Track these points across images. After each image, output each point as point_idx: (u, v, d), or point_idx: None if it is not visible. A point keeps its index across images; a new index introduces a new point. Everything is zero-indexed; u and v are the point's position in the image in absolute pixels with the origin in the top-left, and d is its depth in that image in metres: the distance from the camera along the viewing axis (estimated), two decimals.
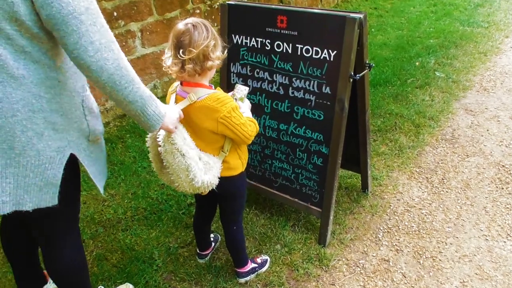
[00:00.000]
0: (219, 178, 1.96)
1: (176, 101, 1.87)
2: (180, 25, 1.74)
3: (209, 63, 1.76)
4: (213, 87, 1.89)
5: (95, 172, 1.74)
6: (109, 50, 1.40)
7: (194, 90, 1.82)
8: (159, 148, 1.87)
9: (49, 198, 1.57)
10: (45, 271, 2.21)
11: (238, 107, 1.88)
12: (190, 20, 1.75)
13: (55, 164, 1.53)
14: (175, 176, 1.89)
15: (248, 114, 2.03)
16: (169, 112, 1.70)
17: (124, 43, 4.07)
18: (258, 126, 2.01)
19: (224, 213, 2.28)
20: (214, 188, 1.97)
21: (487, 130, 3.81)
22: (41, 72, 1.42)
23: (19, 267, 2.06)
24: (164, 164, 1.90)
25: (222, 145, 1.96)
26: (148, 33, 4.27)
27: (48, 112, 1.47)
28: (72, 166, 1.62)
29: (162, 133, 1.81)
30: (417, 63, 5.14)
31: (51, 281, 2.17)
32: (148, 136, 1.93)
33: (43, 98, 1.44)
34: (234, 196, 2.18)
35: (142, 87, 1.53)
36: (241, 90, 2.02)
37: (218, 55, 1.79)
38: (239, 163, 2.06)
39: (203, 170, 1.86)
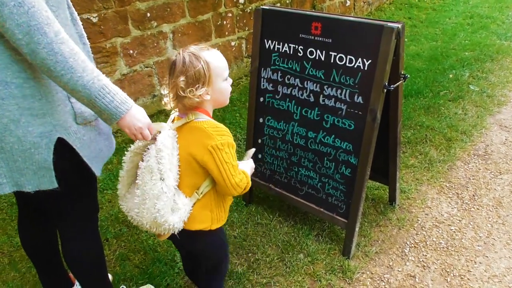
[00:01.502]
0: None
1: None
2: (174, 57, 1.59)
3: (186, 100, 1.57)
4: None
5: (90, 154, 1.65)
6: (40, 34, 1.29)
7: (194, 112, 1.63)
8: (140, 163, 1.61)
9: (47, 182, 1.54)
10: (71, 274, 2.22)
11: (234, 147, 1.65)
12: (181, 51, 1.58)
13: (42, 149, 1.49)
14: (139, 200, 1.60)
15: (248, 171, 1.77)
16: (133, 114, 1.53)
17: (155, 44, 4.11)
18: (249, 184, 1.71)
19: (195, 266, 2.01)
20: (176, 235, 1.69)
21: None
22: (4, 57, 1.36)
23: (40, 266, 2.05)
24: (136, 181, 1.63)
25: (199, 184, 1.67)
26: (179, 35, 4.30)
27: (20, 98, 1.40)
28: (68, 150, 1.56)
29: (152, 147, 1.58)
30: (450, 76, 5.03)
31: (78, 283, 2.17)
32: (130, 148, 1.72)
33: (10, 84, 1.38)
34: (202, 255, 1.89)
35: (89, 77, 1.40)
36: (250, 152, 1.91)
37: (196, 92, 1.55)
38: (207, 217, 1.72)
39: (171, 209, 1.60)
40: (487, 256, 2.60)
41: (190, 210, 1.66)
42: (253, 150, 1.93)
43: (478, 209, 2.99)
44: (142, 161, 1.61)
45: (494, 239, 2.72)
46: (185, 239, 1.73)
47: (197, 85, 1.55)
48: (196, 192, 1.66)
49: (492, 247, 2.66)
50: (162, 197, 1.55)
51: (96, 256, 1.91)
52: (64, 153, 1.55)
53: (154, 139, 1.61)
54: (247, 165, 1.81)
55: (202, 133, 1.58)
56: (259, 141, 2.81)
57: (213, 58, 1.60)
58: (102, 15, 3.58)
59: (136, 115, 1.54)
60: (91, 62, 1.69)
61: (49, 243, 2.01)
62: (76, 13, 1.66)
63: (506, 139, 3.82)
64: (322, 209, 2.63)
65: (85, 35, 1.71)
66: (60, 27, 1.36)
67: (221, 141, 1.57)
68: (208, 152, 1.56)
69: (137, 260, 2.55)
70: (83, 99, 1.43)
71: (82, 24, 1.72)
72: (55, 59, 1.33)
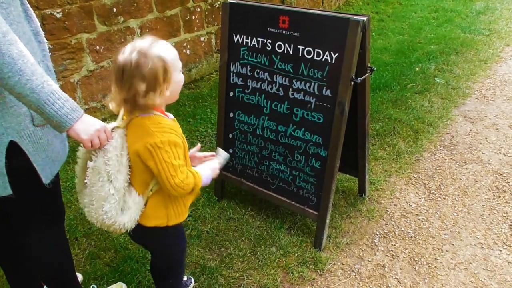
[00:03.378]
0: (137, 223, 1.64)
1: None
2: (120, 58, 1.46)
3: (143, 104, 1.48)
4: (170, 116, 1.63)
5: (46, 159, 1.59)
6: None
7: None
8: (88, 162, 1.55)
9: (0, 187, 1.50)
10: None
11: (179, 145, 1.54)
12: (128, 50, 1.46)
13: None
14: (88, 200, 1.57)
15: (205, 171, 1.69)
16: (86, 120, 1.47)
17: (123, 40, 4.04)
18: (198, 186, 1.61)
19: (154, 265, 1.91)
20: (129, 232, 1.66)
21: (486, 138, 3.80)
22: None
23: (8, 269, 1.98)
24: (85, 181, 1.58)
25: (149, 181, 1.61)
26: (147, 30, 4.24)
27: None
28: (22, 153, 1.51)
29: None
30: (417, 69, 5.13)
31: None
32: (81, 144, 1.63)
33: None
34: (156, 251, 1.84)
35: (38, 81, 1.33)
36: (221, 155, 1.84)
37: (157, 95, 1.47)
38: (162, 213, 1.66)
39: (121, 209, 1.57)
40: (453, 244, 2.67)
41: (143, 208, 1.62)
42: (227, 155, 1.86)
43: (444, 198, 3.07)
44: (91, 160, 1.54)
45: (460, 227, 2.80)
46: (140, 235, 1.68)
47: (158, 88, 1.46)
48: (147, 189, 1.62)
49: (458, 235, 2.74)
50: (109, 199, 1.52)
51: (63, 258, 1.86)
52: (19, 157, 1.50)
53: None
54: (206, 166, 1.74)
55: (143, 130, 1.50)
56: (230, 135, 2.81)
57: (166, 51, 1.48)
58: (66, 10, 3.50)
59: (89, 121, 1.48)
60: (48, 61, 1.62)
61: (18, 247, 1.95)
62: (31, 9, 1.59)
63: (470, 130, 3.93)
64: (293, 202, 2.65)
65: (42, 33, 1.63)
66: (8, 28, 1.30)
67: (161, 139, 1.48)
68: (147, 150, 1.49)
69: (107, 258, 2.51)
70: (30, 104, 1.36)
71: (46, 20, 1.66)
72: (2, 60, 1.26)
